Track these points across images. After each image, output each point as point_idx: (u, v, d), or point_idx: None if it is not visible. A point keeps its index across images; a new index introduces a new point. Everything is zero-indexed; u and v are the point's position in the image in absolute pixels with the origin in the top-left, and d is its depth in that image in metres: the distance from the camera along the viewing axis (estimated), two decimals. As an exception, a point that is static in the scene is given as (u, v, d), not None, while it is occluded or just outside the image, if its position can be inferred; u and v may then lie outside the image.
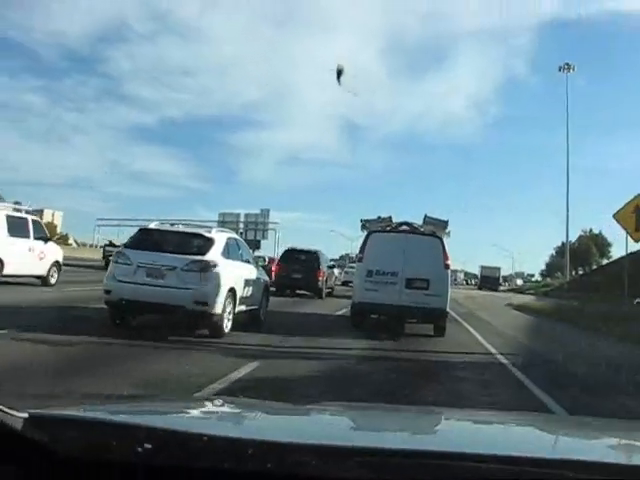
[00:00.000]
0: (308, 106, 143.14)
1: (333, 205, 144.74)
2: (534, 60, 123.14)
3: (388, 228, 14.01)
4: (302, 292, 23.98)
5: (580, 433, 2.13)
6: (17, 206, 17.67)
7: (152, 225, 11.12)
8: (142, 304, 9.77)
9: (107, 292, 10.05)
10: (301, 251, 24.84)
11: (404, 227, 13.98)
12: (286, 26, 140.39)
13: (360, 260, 13.54)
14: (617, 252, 66.99)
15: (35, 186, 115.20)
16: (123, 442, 1.25)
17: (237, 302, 10.83)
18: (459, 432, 2.07)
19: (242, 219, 58.48)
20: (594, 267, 69.15)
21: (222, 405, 2.25)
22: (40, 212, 47.61)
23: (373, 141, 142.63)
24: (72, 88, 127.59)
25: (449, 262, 13.24)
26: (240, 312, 11.13)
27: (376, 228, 13.86)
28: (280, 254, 25.99)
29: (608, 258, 72.76)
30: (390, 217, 14.13)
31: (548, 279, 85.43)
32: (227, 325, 10.40)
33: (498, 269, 78.92)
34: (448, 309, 13.39)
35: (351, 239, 76.01)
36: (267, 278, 13.67)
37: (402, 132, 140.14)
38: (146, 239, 10.53)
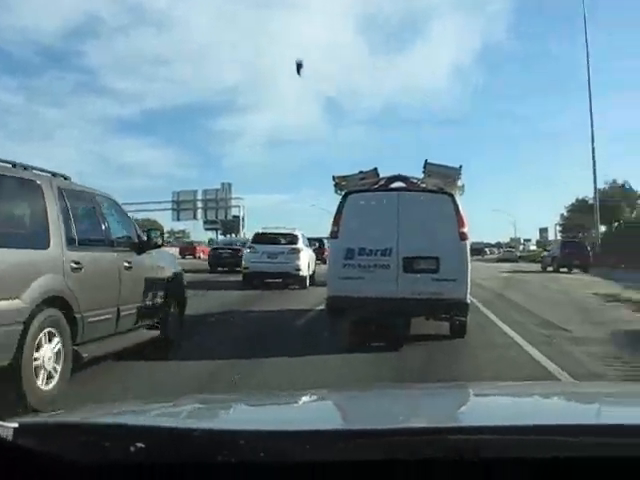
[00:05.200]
0: (288, 87, 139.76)
1: (318, 184, 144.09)
2: (513, 25, 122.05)
3: (374, 186, 10.00)
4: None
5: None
6: None
7: (261, 230, 21.78)
8: (266, 274, 19.74)
9: (246, 268, 20.31)
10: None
11: (397, 183, 9.92)
12: (261, 8, 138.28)
13: (334, 236, 9.36)
14: None
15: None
16: (115, 443, 1.26)
17: (310, 270, 20.63)
18: (457, 406, 2.09)
19: (200, 197, 53.85)
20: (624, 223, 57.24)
21: (204, 401, 2.24)
22: None
23: (355, 118, 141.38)
24: (48, 84, 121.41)
25: (466, 230, 9.16)
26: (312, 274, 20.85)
27: (356, 187, 9.81)
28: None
29: (638, 212, 64.85)
30: (375, 169, 10.17)
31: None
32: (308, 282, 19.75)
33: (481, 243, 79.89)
34: (469, 299, 9.31)
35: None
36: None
37: (384, 107, 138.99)
38: (262, 237, 20.99)
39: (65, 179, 6.71)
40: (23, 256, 5.38)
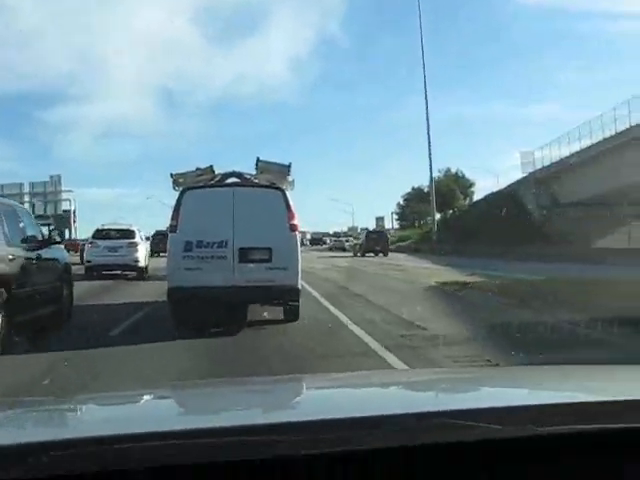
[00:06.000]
0: (123, 77, 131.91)
1: (154, 178, 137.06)
2: (347, 20, 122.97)
3: (211, 182, 10.58)
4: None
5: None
6: None
7: (101, 226, 22.94)
8: (108, 266, 20.84)
9: (88, 262, 21.29)
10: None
11: (232, 179, 10.58)
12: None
13: (173, 229, 9.89)
14: (481, 190, 65.48)
15: None
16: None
17: (146, 262, 22.13)
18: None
19: (27, 190, 51.08)
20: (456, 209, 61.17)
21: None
22: None
23: (192, 108, 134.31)
24: None
25: (296, 222, 10.05)
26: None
27: (193, 183, 10.35)
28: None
29: (471, 199, 66.69)
30: (211, 167, 10.75)
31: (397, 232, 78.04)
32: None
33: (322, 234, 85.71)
34: (300, 284, 10.27)
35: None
36: None
37: (220, 97, 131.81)
38: (102, 233, 22.40)
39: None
40: None
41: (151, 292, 13.93)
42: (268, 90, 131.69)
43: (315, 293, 14.10)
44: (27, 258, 8.93)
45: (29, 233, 9.58)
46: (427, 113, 50.91)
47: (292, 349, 8.27)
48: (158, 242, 31.39)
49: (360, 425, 1.30)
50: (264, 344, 8.70)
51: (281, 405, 1.87)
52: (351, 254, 47.27)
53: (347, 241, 66.47)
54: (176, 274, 9.79)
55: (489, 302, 12.54)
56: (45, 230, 10.77)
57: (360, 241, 49.02)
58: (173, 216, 9.83)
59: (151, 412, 1.81)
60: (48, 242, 10.04)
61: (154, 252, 31.32)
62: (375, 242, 45.43)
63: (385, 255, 42.92)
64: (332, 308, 11.87)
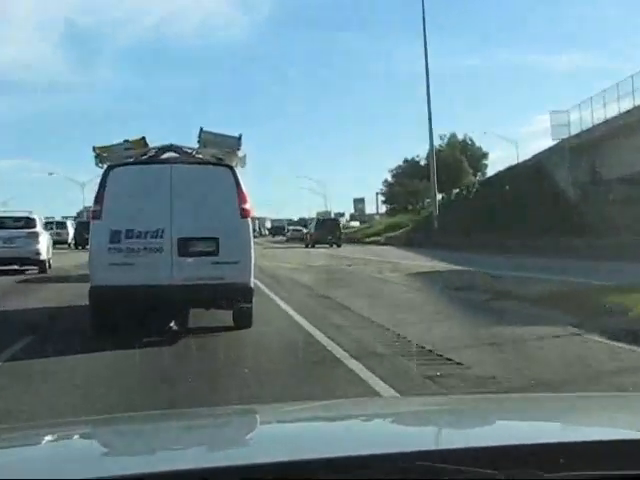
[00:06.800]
0: (17, 13, 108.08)
1: (61, 145, 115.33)
2: None
3: (143, 157, 9.06)
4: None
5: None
6: None
7: None
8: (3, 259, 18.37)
9: None
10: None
11: (169, 154, 9.12)
12: None
13: (97, 216, 8.24)
14: (495, 163, 51.90)
15: None
16: None
17: (49, 254, 20.12)
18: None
19: None
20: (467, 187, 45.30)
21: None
22: None
23: (113, 54, 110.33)
24: None
25: (248, 206, 8.51)
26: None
27: (120, 160, 8.86)
28: None
29: (483, 174, 52.52)
30: (143, 138, 9.28)
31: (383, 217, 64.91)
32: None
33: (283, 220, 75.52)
34: (253, 282, 8.49)
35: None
36: None
37: (150, 41, 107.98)
38: None
39: None
40: None
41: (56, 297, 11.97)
42: (211, 29, 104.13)
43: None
44: None
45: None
46: (426, 52, 40.12)
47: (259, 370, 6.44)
48: (82, 231, 28.84)
49: (335, 469, 1.22)
50: (214, 361, 6.95)
51: (241, 443, 1.73)
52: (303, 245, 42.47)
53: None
54: (100, 271, 8.30)
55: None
56: None
57: (309, 230, 44.35)
58: (96, 199, 8.31)
59: (82, 454, 1.59)
60: None
61: (78, 244, 29.01)
62: (327, 231, 41.07)
63: (338, 246, 38.82)
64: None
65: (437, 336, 7.91)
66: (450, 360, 6.59)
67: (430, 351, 7.05)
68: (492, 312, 9.89)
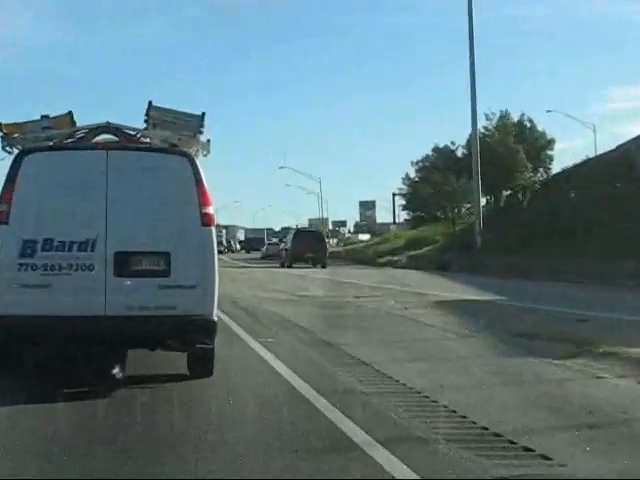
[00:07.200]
0: None
1: None
2: None
3: (69, 141, 7.33)
4: None
5: None
6: None
7: None
8: None
9: None
10: None
11: (105, 136, 7.37)
12: None
13: (3, 220, 6.30)
14: (563, 156, 38.89)
15: None
16: None
17: None
18: None
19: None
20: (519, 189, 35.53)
21: None
22: None
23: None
24: None
25: (211, 209, 6.52)
26: None
27: (37, 144, 7.07)
28: None
29: (548, 170, 40.03)
30: (70, 113, 7.63)
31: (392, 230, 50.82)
32: None
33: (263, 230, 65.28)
34: (215, 315, 6.40)
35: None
36: None
37: None
38: None
39: None
40: None
41: None
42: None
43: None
44: None
45: None
46: (470, 16, 29.41)
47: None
48: None
49: None
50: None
51: None
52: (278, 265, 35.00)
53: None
54: (6, 295, 6.31)
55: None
56: None
57: (285, 245, 35.99)
58: (3, 196, 6.51)
59: None
60: None
61: None
62: (306, 247, 31.89)
63: (323, 266, 31.02)
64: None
65: (501, 409, 5.50)
66: (529, 451, 4.35)
67: (496, 435, 4.73)
68: (577, 373, 6.96)
